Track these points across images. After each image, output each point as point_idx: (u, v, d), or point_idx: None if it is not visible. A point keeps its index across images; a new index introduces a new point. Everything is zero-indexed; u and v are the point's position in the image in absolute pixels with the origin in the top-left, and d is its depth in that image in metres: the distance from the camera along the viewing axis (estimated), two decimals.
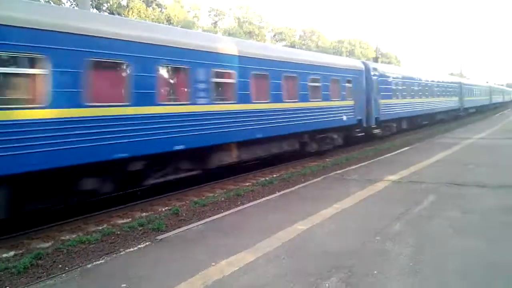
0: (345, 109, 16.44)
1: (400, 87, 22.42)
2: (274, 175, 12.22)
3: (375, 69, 19.51)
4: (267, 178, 11.67)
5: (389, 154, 14.47)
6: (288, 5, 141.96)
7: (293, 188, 9.46)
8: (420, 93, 25.85)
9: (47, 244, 6.79)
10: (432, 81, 29.43)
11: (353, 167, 12.12)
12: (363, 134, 18.23)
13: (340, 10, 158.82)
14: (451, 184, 8.73)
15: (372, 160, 13.25)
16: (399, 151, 15.24)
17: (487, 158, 12.21)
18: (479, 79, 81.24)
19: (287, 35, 76.03)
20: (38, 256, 5.79)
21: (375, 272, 4.50)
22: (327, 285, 4.23)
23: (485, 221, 6.19)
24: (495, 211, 6.61)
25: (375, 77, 19.18)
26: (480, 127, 24.13)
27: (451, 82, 35.10)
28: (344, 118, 16.38)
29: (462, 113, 37.44)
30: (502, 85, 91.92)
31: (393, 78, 21.77)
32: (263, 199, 8.56)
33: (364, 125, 17.99)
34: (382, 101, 19.63)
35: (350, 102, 16.78)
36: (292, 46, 66.38)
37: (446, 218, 6.35)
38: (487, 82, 66.56)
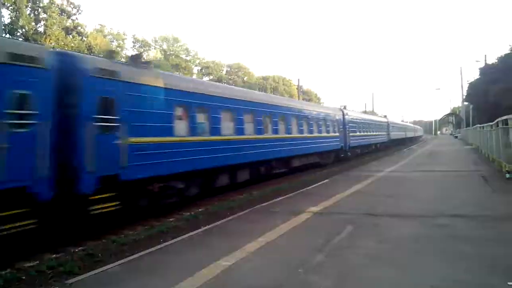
0: (337, 139, 27.16)
1: (360, 126, 33.53)
2: (200, 209, 11.99)
3: (347, 114, 30.33)
4: (192, 213, 11.42)
5: (311, 186, 15.03)
6: (214, 39, 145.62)
7: (218, 223, 9.31)
8: (370, 130, 37.15)
9: None
10: (375, 121, 41.85)
11: (279, 198, 12.35)
12: (343, 155, 28.63)
13: (265, 48, 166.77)
14: (366, 215, 9.24)
15: (296, 192, 13.63)
16: (320, 183, 15.90)
17: (397, 189, 13.18)
18: (394, 117, 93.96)
19: (214, 70, 77.37)
20: None
21: None
22: None
23: (397, 249, 6.60)
24: (406, 240, 7.09)
25: (347, 119, 29.79)
26: (391, 161, 26.17)
27: (383, 122, 47.01)
28: (336, 144, 26.84)
29: (389, 144, 48.02)
30: (410, 122, 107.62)
31: (356, 120, 33.02)
32: (187, 235, 8.28)
33: (344, 149, 28.46)
34: (350, 134, 29.77)
35: (338, 134, 27.41)
36: (219, 80, 67.60)
37: (363, 248, 6.66)
38: (402, 121, 79.05)
